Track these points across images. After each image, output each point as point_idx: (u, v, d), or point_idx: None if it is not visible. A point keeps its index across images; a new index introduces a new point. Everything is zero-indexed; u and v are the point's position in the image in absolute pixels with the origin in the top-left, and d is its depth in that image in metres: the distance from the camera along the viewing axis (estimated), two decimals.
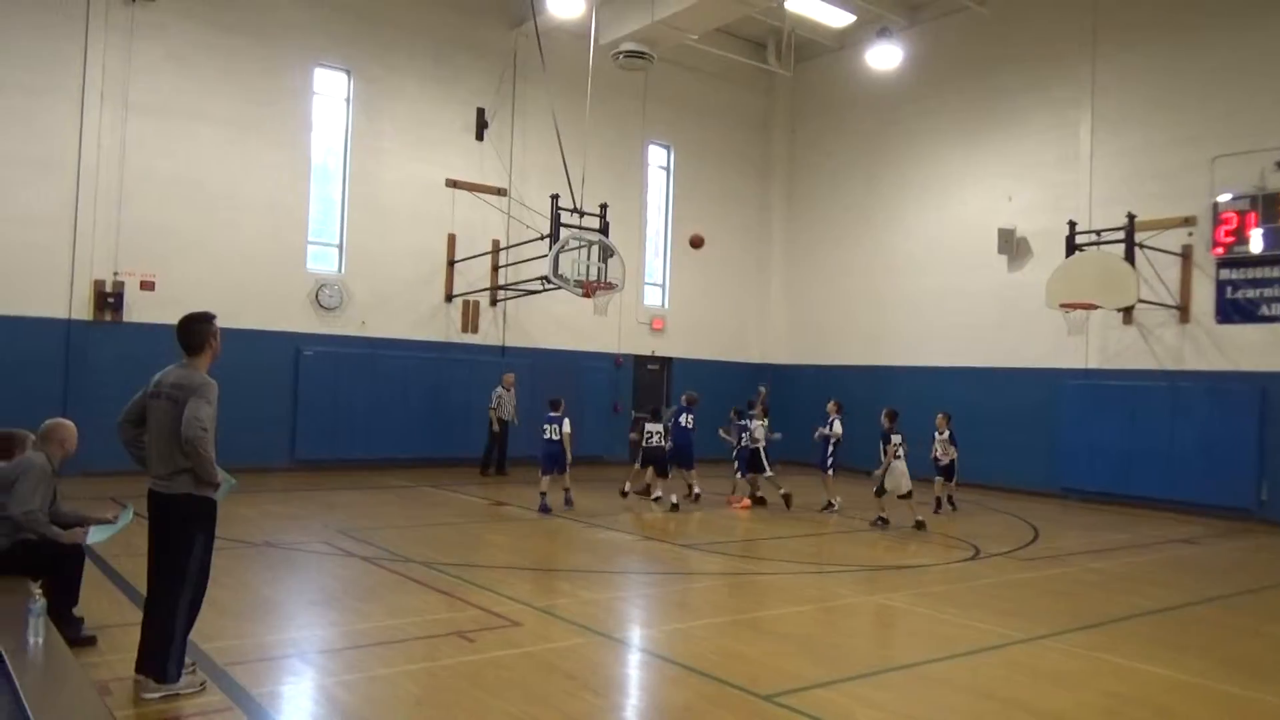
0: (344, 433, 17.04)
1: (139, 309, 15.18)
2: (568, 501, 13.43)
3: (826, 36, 21.56)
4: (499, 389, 17.24)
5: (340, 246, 17.71)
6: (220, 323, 5.49)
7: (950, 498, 14.79)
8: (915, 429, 17.61)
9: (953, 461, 14.55)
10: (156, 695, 5.03)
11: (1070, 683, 6.13)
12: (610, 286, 16.11)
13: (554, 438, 13.10)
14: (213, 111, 16.07)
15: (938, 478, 14.53)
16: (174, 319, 5.40)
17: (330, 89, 17.70)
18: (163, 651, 5.07)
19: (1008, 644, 7.07)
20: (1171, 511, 15.54)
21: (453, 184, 18.64)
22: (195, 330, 5.30)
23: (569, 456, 13.20)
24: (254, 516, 11.37)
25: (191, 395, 5.06)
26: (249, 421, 15.16)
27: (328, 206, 17.76)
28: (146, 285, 15.34)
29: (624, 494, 14.44)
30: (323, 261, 17.59)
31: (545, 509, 12.90)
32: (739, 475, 14.75)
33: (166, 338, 5.44)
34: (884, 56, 18.58)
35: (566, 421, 13.19)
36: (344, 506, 12.98)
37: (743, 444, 14.42)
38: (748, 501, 14.47)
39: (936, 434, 14.47)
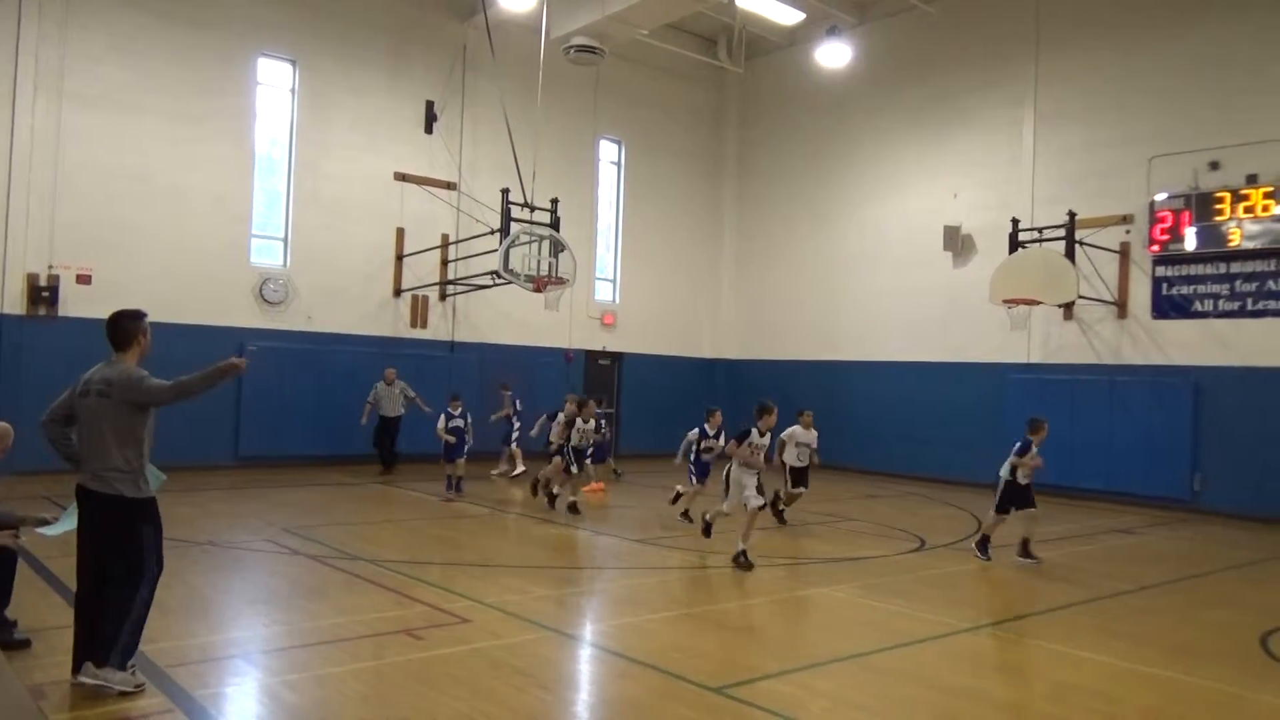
0: (289, 429, 16.75)
1: (75, 303, 14.75)
2: (457, 488, 14.17)
3: (777, 34, 21.70)
4: (379, 384, 16.64)
5: (285, 240, 17.40)
6: (161, 318, 5.43)
7: (1028, 545, 10.22)
8: (869, 424, 17.93)
9: (1030, 485, 10.24)
10: (91, 681, 4.91)
11: (1014, 671, 6.26)
12: (561, 281, 16.08)
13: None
14: (152, 102, 15.67)
15: (1013, 509, 10.23)
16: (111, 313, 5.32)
17: (275, 79, 17.35)
18: (112, 637, 4.96)
19: (952, 633, 7.19)
20: (1109, 502, 15.95)
21: (401, 177, 18.43)
22: (124, 327, 5.28)
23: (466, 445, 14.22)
24: (196, 515, 11.12)
25: (129, 389, 5.07)
26: (191, 418, 14.74)
27: (272, 199, 17.43)
28: (83, 279, 14.91)
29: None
30: (267, 255, 17.26)
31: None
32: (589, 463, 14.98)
33: (103, 333, 5.35)
34: (833, 54, 18.75)
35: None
36: (289, 504, 12.77)
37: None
38: (600, 485, 15.15)
39: (1036, 446, 10.17)
